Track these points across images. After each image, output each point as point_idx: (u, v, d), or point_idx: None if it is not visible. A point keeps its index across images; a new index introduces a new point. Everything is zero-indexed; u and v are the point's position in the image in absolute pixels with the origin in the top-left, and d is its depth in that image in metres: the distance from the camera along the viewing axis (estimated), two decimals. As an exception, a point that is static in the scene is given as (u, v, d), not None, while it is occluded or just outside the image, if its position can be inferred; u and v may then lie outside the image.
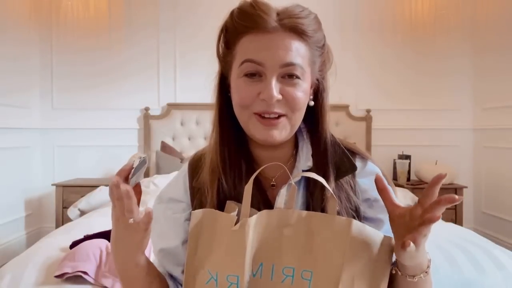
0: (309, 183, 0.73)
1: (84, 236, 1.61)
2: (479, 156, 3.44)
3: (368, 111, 3.45)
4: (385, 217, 0.72)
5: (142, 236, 0.65)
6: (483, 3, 3.36)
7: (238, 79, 0.69)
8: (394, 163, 3.32)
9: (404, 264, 0.62)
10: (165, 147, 3.24)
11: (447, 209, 0.57)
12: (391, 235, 0.65)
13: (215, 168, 0.73)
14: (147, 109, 3.39)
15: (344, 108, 3.40)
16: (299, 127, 0.75)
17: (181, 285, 0.72)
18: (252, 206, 0.65)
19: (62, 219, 2.98)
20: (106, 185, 2.81)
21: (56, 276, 1.32)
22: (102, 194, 2.67)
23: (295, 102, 0.67)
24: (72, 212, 2.66)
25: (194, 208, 0.74)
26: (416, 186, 3.08)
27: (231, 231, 0.62)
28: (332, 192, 0.66)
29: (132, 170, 0.62)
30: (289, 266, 0.63)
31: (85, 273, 1.33)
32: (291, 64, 0.66)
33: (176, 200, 0.78)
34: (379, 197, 0.73)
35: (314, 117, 0.75)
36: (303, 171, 0.73)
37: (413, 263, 0.62)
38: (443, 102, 3.49)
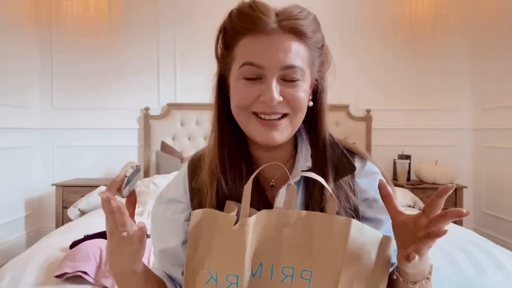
0: (308, 183, 0.72)
1: (84, 236, 1.61)
2: (479, 156, 3.44)
3: (368, 111, 3.45)
4: (384, 217, 0.72)
5: (137, 248, 0.65)
6: (483, 3, 3.36)
7: (237, 81, 0.68)
8: (394, 163, 3.32)
9: (406, 272, 0.62)
10: (165, 147, 3.24)
11: (447, 209, 0.57)
12: (391, 235, 0.65)
13: (214, 168, 0.73)
14: (147, 109, 3.39)
15: (344, 108, 3.40)
16: (298, 128, 0.75)
17: (181, 286, 0.72)
18: (251, 206, 0.65)
19: (62, 219, 2.98)
20: (106, 185, 2.80)
21: (56, 276, 1.32)
22: (102, 194, 2.66)
23: (296, 102, 0.67)
24: (72, 212, 2.66)
25: (193, 208, 0.74)
26: (416, 186, 3.07)
27: (230, 231, 0.62)
28: (331, 192, 0.66)
29: (125, 180, 0.61)
30: (289, 266, 0.63)
31: (85, 273, 1.33)
32: (291, 67, 0.66)
33: (175, 201, 0.78)
34: (378, 197, 0.73)
35: (313, 117, 0.75)
36: (302, 171, 0.73)
37: (416, 271, 0.62)
38: (443, 102, 3.49)
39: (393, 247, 0.65)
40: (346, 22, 3.45)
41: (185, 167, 0.80)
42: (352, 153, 0.76)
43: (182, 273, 0.68)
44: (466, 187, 3.15)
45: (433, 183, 3.12)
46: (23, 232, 3.19)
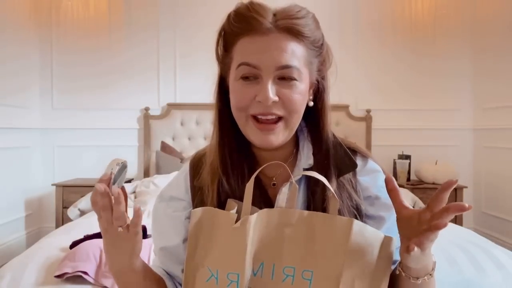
0: (310, 182, 0.73)
1: (84, 236, 1.61)
2: (479, 156, 3.44)
3: (368, 111, 3.45)
4: (386, 214, 0.72)
5: (133, 243, 0.65)
6: (483, 3, 3.36)
7: (235, 82, 0.69)
8: (394, 163, 3.32)
9: (409, 266, 0.62)
10: (165, 147, 3.24)
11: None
12: (393, 233, 0.65)
13: (215, 168, 0.73)
14: (147, 109, 3.39)
15: (344, 108, 3.40)
16: (300, 126, 0.75)
17: (181, 284, 0.72)
18: (253, 204, 0.66)
19: (62, 219, 2.98)
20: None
21: (56, 276, 1.32)
22: (102, 194, 2.66)
23: (291, 104, 0.67)
24: (72, 212, 2.66)
25: (195, 207, 0.74)
26: (416, 186, 3.08)
27: (231, 229, 0.63)
28: (333, 191, 0.66)
29: (113, 177, 0.61)
30: (290, 266, 0.63)
31: (85, 273, 1.33)
32: (286, 67, 0.66)
33: (177, 199, 0.79)
34: (380, 194, 0.73)
35: (315, 117, 0.75)
36: (304, 169, 0.73)
37: (418, 266, 0.62)
38: (443, 102, 3.49)
39: (395, 246, 0.65)
40: (346, 22, 3.45)
41: (186, 165, 0.81)
42: (354, 151, 0.76)
43: (182, 271, 0.68)
44: (466, 187, 3.15)
45: (433, 183, 3.12)
46: (23, 232, 3.19)
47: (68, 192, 3.02)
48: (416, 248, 0.56)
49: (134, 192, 2.69)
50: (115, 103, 3.43)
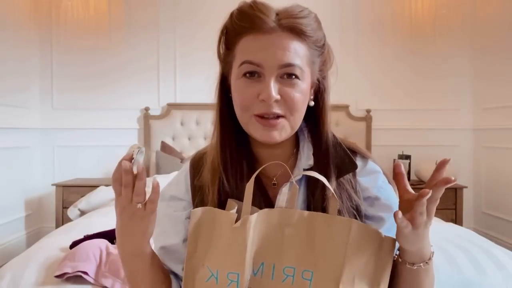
0: (310, 182, 0.73)
1: (84, 236, 1.61)
2: (479, 156, 3.44)
3: (368, 111, 3.45)
4: (386, 215, 0.73)
5: (148, 222, 0.65)
6: (483, 3, 3.36)
7: (237, 80, 0.69)
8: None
9: (404, 249, 0.63)
10: (165, 147, 3.24)
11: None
12: (392, 233, 0.65)
13: (216, 167, 0.73)
14: (147, 109, 3.39)
15: (344, 108, 3.40)
16: (300, 126, 0.75)
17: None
18: (253, 204, 0.66)
19: (62, 219, 2.98)
20: (106, 185, 2.81)
21: (56, 276, 1.32)
22: (102, 194, 2.67)
23: (293, 103, 0.67)
24: (72, 212, 2.66)
25: (195, 206, 0.74)
26: (416, 186, 3.07)
27: (232, 229, 0.63)
28: (333, 192, 0.66)
29: (133, 160, 0.62)
30: (290, 266, 0.64)
31: (85, 273, 1.33)
32: (289, 65, 0.66)
33: (177, 198, 0.79)
34: (379, 195, 0.74)
35: (315, 116, 0.75)
36: (304, 169, 0.73)
37: (413, 248, 0.63)
38: (443, 102, 3.49)
39: (394, 246, 0.65)
40: (346, 22, 3.45)
41: (187, 165, 0.81)
42: (354, 152, 0.77)
43: (183, 269, 0.68)
44: (466, 187, 3.15)
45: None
46: (23, 232, 3.19)
47: (68, 192, 3.02)
48: (406, 222, 0.58)
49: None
50: (115, 103, 3.43)
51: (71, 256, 1.39)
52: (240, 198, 0.68)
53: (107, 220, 1.91)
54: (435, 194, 0.58)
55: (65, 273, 1.32)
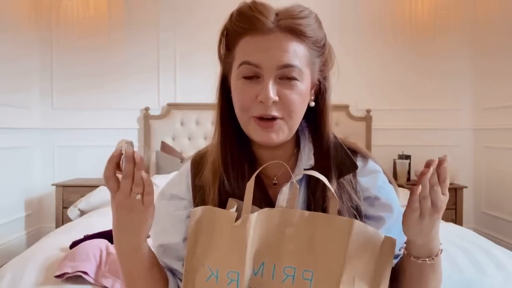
0: (310, 182, 0.73)
1: (84, 236, 1.61)
2: (479, 156, 3.44)
3: (368, 111, 3.45)
4: (386, 215, 0.73)
5: (146, 216, 0.64)
6: (483, 4, 3.36)
7: (237, 81, 0.69)
8: (394, 163, 3.32)
9: (410, 240, 0.64)
10: (165, 147, 3.24)
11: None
12: (392, 234, 0.65)
13: (217, 167, 0.73)
14: (147, 109, 3.39)
15: (344, 108, 3.40)
16: (301, 126, 0.75)
17: (181, 280, 0.72)
18: (253, 204, 0.66)
19: (62, 219, 2.98)
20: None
21: (56, 276, 1.32)
22: (102, 194, 2.67)
23: (291, 105, 0.67)
24: (72, 212, 2.66)
25: (196, 206, 0.74)
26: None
27: (232, 227, 0.63)
28: (334, 191, 0.66)
29: (122, 156, 0.62)
30: (290, 266, 0.64)
31: (85, 273, 1.33)
32: (288, 66, 0.66)
33: (178, 197, 0.79)
34: (379, 195, 0.74)
35: (316, 117, 0.75)
36: (305, 169, 0.73)
37: (419, 240, 0.63)
38: (443, 102, 3.49)
39: (395, 247, 0.65)
40: (346, 22, 3.45)
41: (188, 164, 0.81)
42: (354, 152, 0.77)
43: (183, 265, 0.68)
44: (466, 187, 3.15)
45: (433, 183, 3.12)
46: (23, 232, 3.19)
47: (68, 192, 3.02)
48: (417, 205, 0.60)
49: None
50: (115, 103, 3.43)
51: (71, 256, 1.39)
52: (240, 198, 0.68)
53: (107, 220, 1.90)
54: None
55: (65, 273, 1.32)
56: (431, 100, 3.49)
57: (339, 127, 3.35)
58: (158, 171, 3.07)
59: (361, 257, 0.63)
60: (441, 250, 0.65)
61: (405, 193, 2.78)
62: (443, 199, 0.61)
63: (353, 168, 0.73)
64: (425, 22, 3.46)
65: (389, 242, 0.64)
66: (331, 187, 0.66)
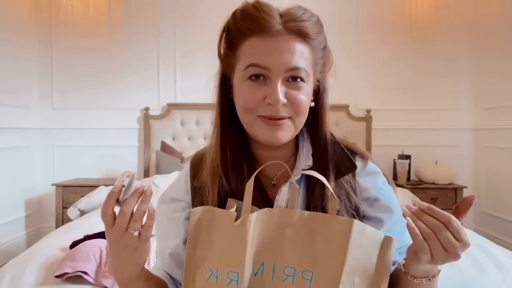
0: (309, 182, 0.73)
1: (84, 236, 1.61)
2: (479, 156, 3.44)
3: (368, 111, 3.45)
4: (385, 216, 0.72)
5: (142, 252, 0.64)
6: (483, 3, 3.36)
7: (242, 82, 0.69)
8: (394, 163, 3.32)
9: (411, 264, 0.62)
10: (165, 147, 3.24)
11: (447, 209, 0.58)
12: (392, 234, 0.65)
13: (216, 168, 0.73)
14: (147, 109, 3.39)
15: (344, 108, 3.40)
16: None
17: (181, 284, 0.72)
18: (252, 205, 0.66)
19: (62, 219, 2.98)
20: (106, 185, 2.81)
21: (56, 276, 1.32)
22: (102, 194, 2.67)
23: (299, 106, 0.68)
24: (72, 212, 2.66)
25: (194, 207, 0.74)
26: (416, 186, 3.07)
27: (232, 227, 0.63)
28: (332, 192, 0.66)
29: (123, 190, 0.60)
30: (290, 266, 0.63)
31: (85, 273, 1.33)
32: (296, 68, 0.66)
33: (177, 200, 0.79)
34: (379, 196, 0.73)
35: (314, 117, 0.76)
36: (303, 170, 0.73)
37: (420, 268, 0.62)
38: (443, 102, 3.49)
39: (395, 247, 0.65)
40: (346, 22, 3.45)
41: (187, 166, 0.81)
42: (353, 152, 0.77)
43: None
44: (466, 187, 3.15)
45: (433, 183, 3.12)
46: (23, 232, 3.18)
47: (68, 192, 3.02)
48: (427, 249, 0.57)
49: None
50: (115, 103, 3.43)
51: (71, 256, 1.39)
52: (240, 198, 0.68)
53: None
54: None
55: (65, 273, 1.32)
56: (431, 100, 3.49)
57: (339, 127, 3.35)
58: (158, 171, 3.07)
59: (361, 257, 0.63)
60: (439, 270, 0.64)
61: (405, 193, 2.78)
62: (457, 245, 0.56)
63: (352, 168, 0.73)
64: (425, 22, 3.46)
65: (389, 241, 0.64)
66: (330, 187, 0.66)
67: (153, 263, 0.87)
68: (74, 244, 1.53)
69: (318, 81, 0.73)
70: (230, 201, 0.70)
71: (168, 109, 3.40)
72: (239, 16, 0.68)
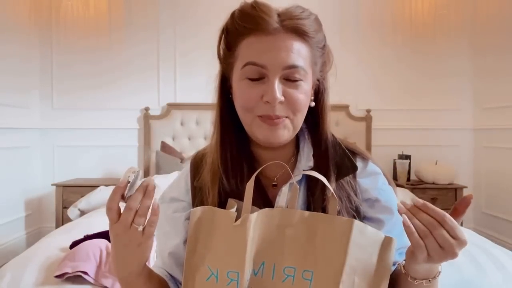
0: (310, 182, 0.73)
1: (84, 236, 1.61)
2: (479, 156, 3.44)
3: (368, 111, 3.45)
4: (385, 217, 0.72)
5: (145, 248, 0.64)
6: (483, 3, 3.36)
7: (240, 82, 0.69)
8: (394, 163, 3.32)
9: (411, 265, 0.62)
10: (165, 147, 3.24)
11: (447, 209, 0.58)
12: (392, 235, 0.65)
13: (216, 168, 0.73)
14: (147, 109, 3.39)
15: (344, 108, 3.40)
16: (301, 127, 0.75)
17: (181, 283, 0.72)
18: (252, 205, 0.66)
19: (62, 219, 2.98)
20: (106, 185, 2.81)
21: (56, 276, 1.32)
22: (102, 194, 2.67)
23: (296, 104, 0.68)
24: (72, 212, 2.66)
25: (195, 207, 0.74)
26: (416, 186, 3.07)
27: (232, 227, 0.63)
28: (333, 192, 0.66)
29: (128, 186, 0.61)
30: (290, 266, 0.63)
31: (85, 273, 1.33)
32: (293, 66, 0.66)
33: (177, 200, 0.79)
34: (380, 197, 0.73)
35: (314, 117, 0.75)
36: (304, 170, 0.73)
37: (420, 269, 0.62)
38: (443, 102, 3.49)
39: (395, 247, 0.65)
40: (346, 22, 3.45)
41: (187, 166, 0.81)
42: (354, 153, 0.77)
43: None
44: (466, 187, 3.15)
45: (433, 183, 3.12)
46: (23, 232, 3.18)
47: (68, 192, 3.03)
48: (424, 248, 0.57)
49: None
50: (115, 103, 3.43)
51: (71, 256, 1.39)
52: (240, 198, 0.68)
53: (107, 220, 1.90)
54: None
55: (65, 273, 1.32)
56: (431, 100, 3.49)
57: (339, 127, 3.35)
58: (158, 171, 3.07)
59: (361, 257, 0.63)
60: (439, 272, 0.64)
61: (404, 193, 2.78)
62: (453, 243, 0.56)
63: (353, 169, 0.73)
64: (425, 22, 3.46)
65: (389, 242, 0.64)
66: (331, 187, 0.66)
67: (153, 262, 0.87)
68: (74, 244, 1.53)
69: (318, 80, 0.73)
70: (231, 201, 0.70)
71: (168, 109, 3.40)
72: (237, 16, 0.68)
